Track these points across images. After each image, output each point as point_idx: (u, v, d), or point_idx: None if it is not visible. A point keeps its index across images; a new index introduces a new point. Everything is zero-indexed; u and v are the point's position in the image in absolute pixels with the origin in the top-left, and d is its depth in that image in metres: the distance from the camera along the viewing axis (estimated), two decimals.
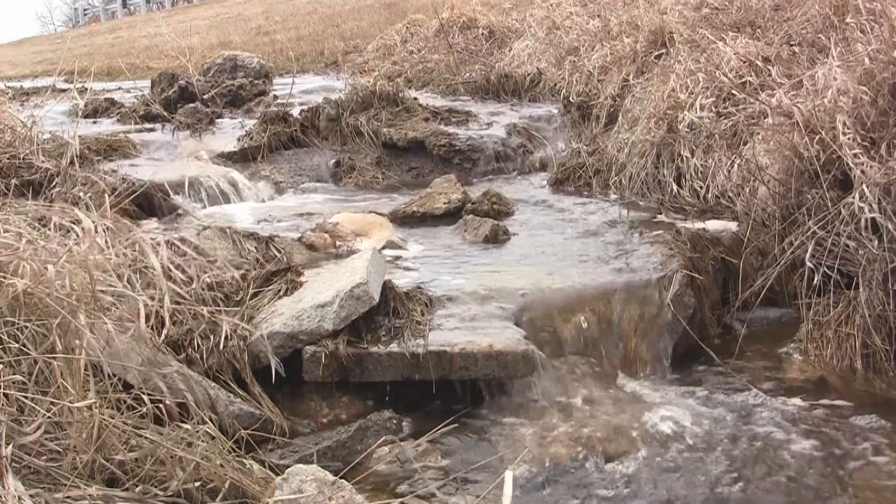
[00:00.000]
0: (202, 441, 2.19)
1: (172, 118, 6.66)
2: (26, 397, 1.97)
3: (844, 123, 3.22)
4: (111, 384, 2.19)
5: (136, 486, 2.01)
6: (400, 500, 2.47)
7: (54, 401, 1.99)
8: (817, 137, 3.36)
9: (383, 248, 3.96)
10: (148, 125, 6.69)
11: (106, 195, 3.20)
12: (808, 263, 3.21)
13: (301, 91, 8.09)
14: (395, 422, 2.91)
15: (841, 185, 3.28)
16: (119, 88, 9.37)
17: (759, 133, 3.98)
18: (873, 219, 3.08)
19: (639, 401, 3.13)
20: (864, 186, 3.09)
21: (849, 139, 3.19)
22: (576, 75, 6.52)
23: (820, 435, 2.87)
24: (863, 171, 3.12)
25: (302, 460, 2.59)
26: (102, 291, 2.33)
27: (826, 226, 3.25)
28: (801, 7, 4.77)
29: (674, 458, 2.79)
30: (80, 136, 4.62)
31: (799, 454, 2.78)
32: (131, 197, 4.52)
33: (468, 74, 8.08)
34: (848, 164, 3.19)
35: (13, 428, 1.87)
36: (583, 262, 3.75)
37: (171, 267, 3.03)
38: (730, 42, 4.62)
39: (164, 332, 2.81)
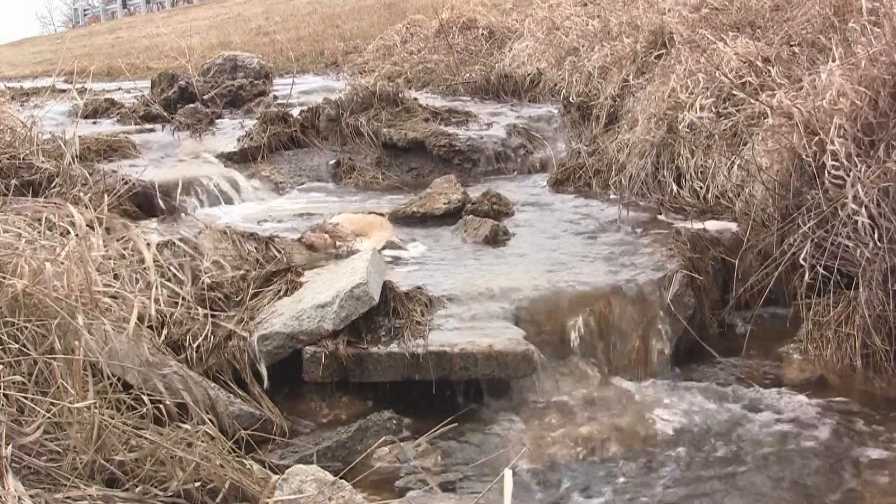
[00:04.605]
0: (202, 441, 2.19)
1: (172, 118, 6.66)
2: (26, 397, 1.97)
3: (840, 126, 3.22)
4: (111, 384, 2.19)
5: (136, 486, 2.01)
6: (400, 499, 2.47)
7: (54, 401, 1.99)
8: (816, 138, 3.36)
9: (383, 248, 3.96)
10: (148, 125, 6.68)
11: (105, 195, 3.20)
12: (802, 263, 3.21)
13: (301, 91, 8.07)
14: (395, 422, 2.91)
15: (838, 185, 3.28)
16: (119, 89, 9.36)
17: (758, 134, 3.98)
18: (870, 218, 3.08)
19: (638, 400, 3.13)
20: (858, 187, 3.09)
21: (843, 140, 3.19)
22: (576, 75, 6.50)
23: (819, 434, 2.88)
24: (858, 173, 3.12)
25: (302, 460, 2.59)
26: (100, 292, 2.32)
27: (823, 224, 3.25)
28: (801, 7, 4.76)
29: (673, 457, 2.79)
30: (79, 137, 4.63)
31: (799, 453, 2.78)
32: (130, 196, 4.53)
33: (468, 75, 8.06)
34: (841, 165, 3.19)
35: (13, 428, 1.87)
36: (583, 263, 3.75)
37: (172, 267, 3.03)
38: (730, 42, 4.61)
39: (164, 332, 2.81)
